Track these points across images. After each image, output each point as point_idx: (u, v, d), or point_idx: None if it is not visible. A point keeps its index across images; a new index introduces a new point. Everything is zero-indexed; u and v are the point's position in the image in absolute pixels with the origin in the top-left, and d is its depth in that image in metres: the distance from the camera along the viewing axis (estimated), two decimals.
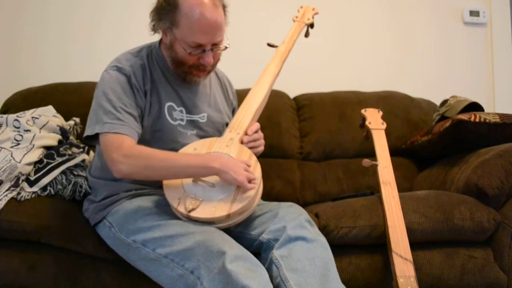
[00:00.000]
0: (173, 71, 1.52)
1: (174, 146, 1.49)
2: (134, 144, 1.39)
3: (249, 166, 1.37)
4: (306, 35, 1.88)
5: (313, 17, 1.87)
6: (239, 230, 1.43)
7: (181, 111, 1.53)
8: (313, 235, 1.36)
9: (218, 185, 1.35)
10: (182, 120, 1.53)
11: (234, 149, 1.43)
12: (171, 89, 1.53)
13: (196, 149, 1.44)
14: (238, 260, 1.20)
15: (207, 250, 1.22)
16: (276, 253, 1.32)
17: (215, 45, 1.44)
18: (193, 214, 1.30)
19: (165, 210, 1.39)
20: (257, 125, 1.57)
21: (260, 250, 1.39)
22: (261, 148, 1.59)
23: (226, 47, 1.48)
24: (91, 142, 1.47)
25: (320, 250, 1.33)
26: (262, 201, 1.52)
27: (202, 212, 1.30)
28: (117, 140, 1.37)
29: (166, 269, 1.28)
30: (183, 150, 1.44)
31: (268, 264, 1.32)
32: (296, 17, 1.87)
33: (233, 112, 1.76)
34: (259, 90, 1.62)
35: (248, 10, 2.52)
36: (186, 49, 1.42)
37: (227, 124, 1.65)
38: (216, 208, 1.31)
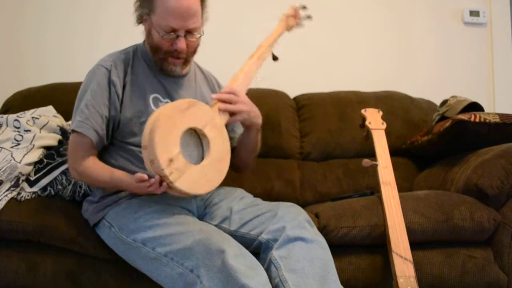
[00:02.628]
0: (153, 59, 1.57)
1: None
2: (86, 158, 1.47)
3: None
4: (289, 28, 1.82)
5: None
6: (238, 230, 1.43)
7: (167, 103, 1.55)
8: (313, 235, 1.36)
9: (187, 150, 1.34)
10: None
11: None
12: (156, 82, 1.57)
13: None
14: (238, 258, 1.21)
15: (206, 248, 1.22)
16: (275, 254, 1.32)
17: (188, 32, 1.48)
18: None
19: (165, 209, 1.40)
20: (230, 88, 1.49)
21: (259, 251, 1.39)
22: (240, 113, 1.48)
23: (200, 36, 1.51)
24: None
25: (319, 251, 1.33)
26: (262, 201, 1.52)
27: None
28: (77, 146, 1.48)
29: (166, 268, 1.28)
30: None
31: (267, 264, 1.32)
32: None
33: None
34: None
35: (248, 11, 2.52)
36: (160, 33, 1.46)
37: None
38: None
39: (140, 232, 1.35)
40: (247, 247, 1.32)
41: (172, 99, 1.56)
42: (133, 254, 1.38)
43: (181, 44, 1.47)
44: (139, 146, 1.50)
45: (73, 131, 1.48)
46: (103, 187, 1.50)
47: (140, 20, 1.55)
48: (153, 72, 1.58)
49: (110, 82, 1.50)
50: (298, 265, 1.28)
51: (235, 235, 1.40)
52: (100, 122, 1.48)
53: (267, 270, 1.30)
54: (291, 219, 1.38)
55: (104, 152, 1.55)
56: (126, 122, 1.51)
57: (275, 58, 1.73)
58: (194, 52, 1.56)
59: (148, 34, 1.53)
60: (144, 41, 1.63)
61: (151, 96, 1.54)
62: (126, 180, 1.40)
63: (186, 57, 1.54)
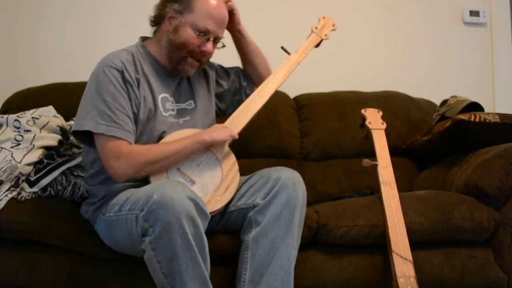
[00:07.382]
0: (167, 56, 1.55)
1: (164, 136, 1.51)
2: (130, 146, 1.43)
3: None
4: (317, 46, 1.84)
5: (329, 33, 1.84)
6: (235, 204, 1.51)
7: (172, 102, 1.58)
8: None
9: (198, 183, 1.44)
10: (173, 110, 1.58)
11: (222, 151, 1.52)
12: (163, 82, 1.58)
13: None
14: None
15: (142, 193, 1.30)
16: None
17: (216, 40, 1.56)
18: None
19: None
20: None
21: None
22: None
23: (223, 45, 1.58)
24: (79, 138, 1.54)
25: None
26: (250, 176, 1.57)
27: None
28: (114, 147, 1.41)
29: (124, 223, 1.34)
30: (171, 136, 1.51)
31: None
32: (316, 28, 1.82)
33: (229, 71, 1.81)
34: (261, 98, 1.67)
35: (260, 11, 2.51)
36: (194, 31, 1.50)
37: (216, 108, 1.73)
38: None
39: (119, 205, 1.38)
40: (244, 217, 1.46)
41: (174, 97, 1.58)
42: (115, 228, 1.40)
43: (210, 46, 1.54)
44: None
45: (102, 134, 1.41)
46: (160, 159, 1.43)
47: (159, 20, 1.56)
48: (158, 73, 1.57)
49: (126, 82, 1.46)
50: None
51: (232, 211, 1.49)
52: (130, 123, 1.45)
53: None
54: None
55: None
56: (139, 123, 1.49)
57: (286, 50, 1.77)
58: (209, 58, 1.60)
59: (174, 31, 1.51)
60: (142, 43, 1.61)
61: (160, 96, 1.54)
62: (195, 134, 1.48)
63: (202, 63, 1.58)
